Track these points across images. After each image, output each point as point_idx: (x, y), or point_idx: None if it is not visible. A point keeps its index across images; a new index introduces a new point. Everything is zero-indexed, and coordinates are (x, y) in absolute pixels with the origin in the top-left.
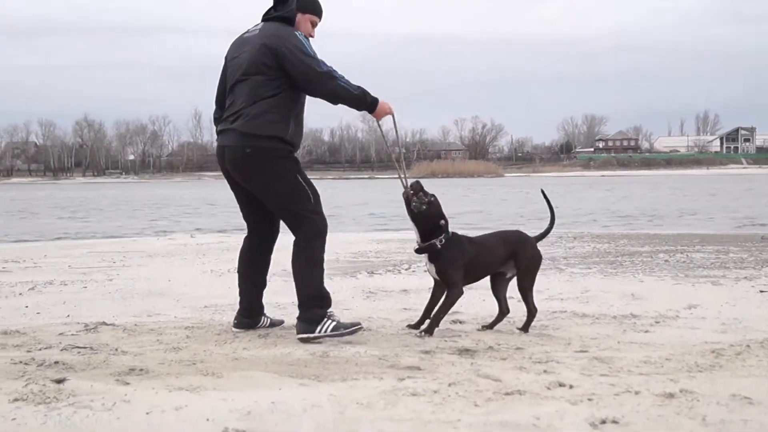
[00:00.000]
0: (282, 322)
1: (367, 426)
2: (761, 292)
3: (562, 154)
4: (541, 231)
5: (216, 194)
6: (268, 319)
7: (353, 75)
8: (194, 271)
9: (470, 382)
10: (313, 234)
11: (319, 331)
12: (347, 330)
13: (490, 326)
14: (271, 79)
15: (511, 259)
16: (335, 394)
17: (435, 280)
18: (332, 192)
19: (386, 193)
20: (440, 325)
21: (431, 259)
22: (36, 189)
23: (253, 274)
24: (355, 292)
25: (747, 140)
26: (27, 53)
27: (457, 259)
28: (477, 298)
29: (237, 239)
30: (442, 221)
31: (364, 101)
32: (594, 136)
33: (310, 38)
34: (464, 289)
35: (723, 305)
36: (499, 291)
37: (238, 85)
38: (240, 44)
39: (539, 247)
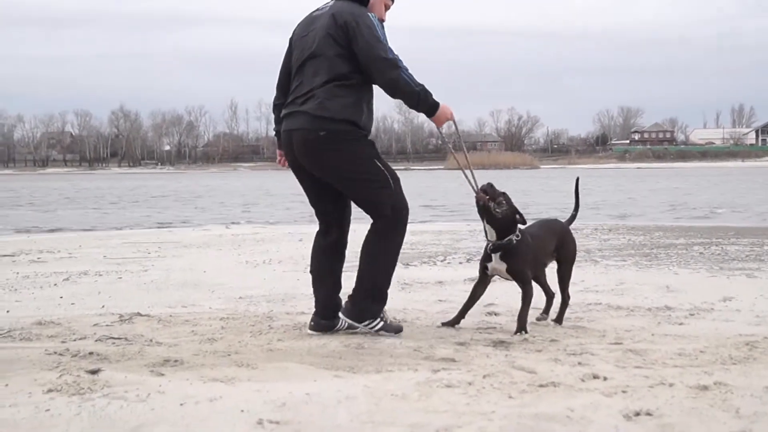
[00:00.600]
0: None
1: (402, 417)
2: None
3: (597, 146)
4: (567, 217)
5: (267, 184)
6: (345, 321)
7: None
8: (229, 262)
9: (505, 374)
10: (394, 222)
11: (366, 326)
12: (390, 333)
13: (545, 314)
14: (344, 59)
15: (556, 249)
16: (370, 386)
17: (483, 277)
18: None
19: (422, 184)
20: (476, 317)
21: (503, 257)
22: (84, 179)
23: (329, 271)
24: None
25: None
26: (63, 43)
27: (528, 256)
28: (512, 290)
29: (273, 231)
30: (517, 216)
31: (424, 101)
32: (630, 128)
33: (383, 22)
34: (495, 280)
35: (758, 298)
36: (539, 277)
37: (307, 63)
38: (309, 22)
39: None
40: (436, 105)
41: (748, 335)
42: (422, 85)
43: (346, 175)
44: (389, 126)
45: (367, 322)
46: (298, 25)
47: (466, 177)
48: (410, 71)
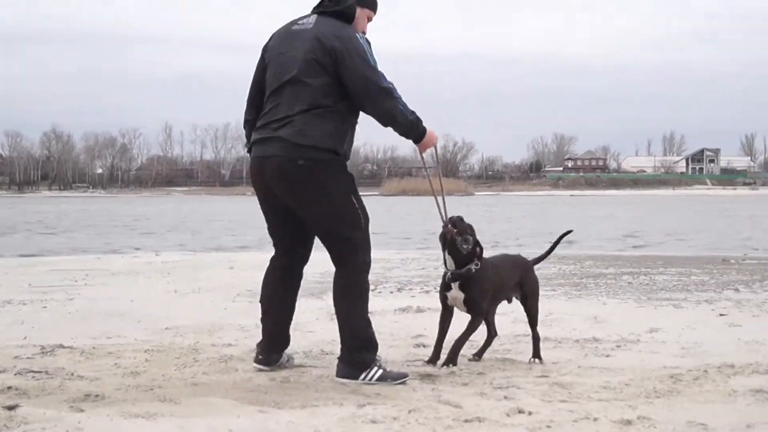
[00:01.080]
0: (292, 358)
1: None
2: (721, 315)
3: (531, 173)
4: (537, 256)
5: (201, 208)
6: (288, 356)
7: None
8: (157, 291)
9: (430, 409)
10: (362, 266)
11: (364, 379)
12: (395, 381)
13: (479, 354)
14: (330, 86)
15: (519, 285)
16: (294, 422)
17: (445, 307)
18: None
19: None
20: (403, 348)
21: (462, 287)
22: (10, 203)
23: (281, 301)
24: (319, 314)
25: (712, 161)
26: None
27: (487, 287)
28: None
29: (203, 258)
30: (478, 248)
31: (415, 129)
32: (563, 155)
33: (364, 35)
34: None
35: (683, 329)
36: (489, 314)
37: (287, 87)
38: (288, 38)
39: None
40: (425, 132)
41: (673, 367)
42: (414, 113)
43: (320, 209)
44: None
45: (362, 376)
46: (274, 36)
47: (438, 206)
48: (403, 99)
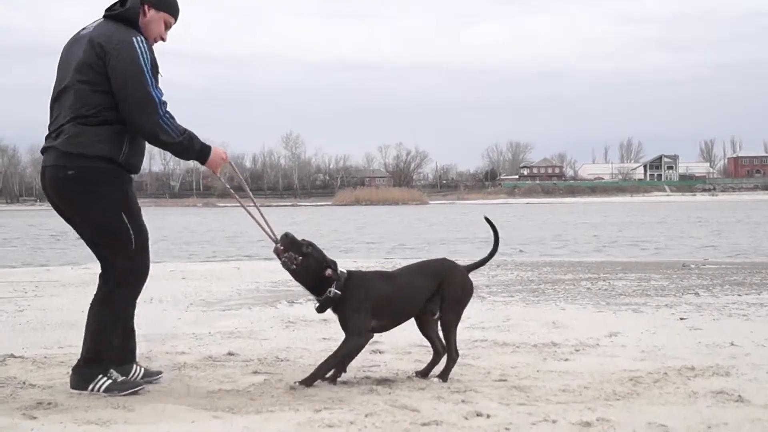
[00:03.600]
0: (160, 373)
1: None
2: (681, 319)
3: (486, 181)
4: (477, 260)
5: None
6: (142, 369)
7: (280, 99)
8: None
9: (387, 413)
10: (120, 280)
11: (91, 390)
12: (122, 392)
13: (424, 373)
14: (100, 90)
15: (438, 292)
16: (249, 427)
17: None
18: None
19: (312, 221)
20: (360, 355)
21: (335, 310)
22: None
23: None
24: (274, 322)
25: (670, 168)
26: None
27: (361, 303)
28: (397, 328)
29: (154, 268)
30: (328, 270)
31: (190, 150)
32: (519, 163)
33: (161, 41)
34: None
35: (643, 333)
36: (429, 330)
37: (63, 94)
38: (71, 44)
39: (471, 278)
40: (206, 150)
41: (633, 371)
42: (186, 133)
43: (90, 223)
44: (275, 161)
45: (90, 386)
46: (64, 46)
47: (261, 225)
48: (171, 116)
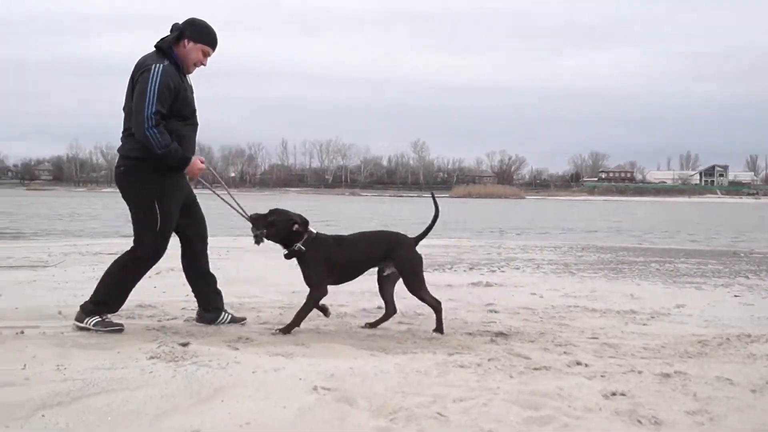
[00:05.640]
0: (244, 319)
1: (426, 389)
2: (735, 296)
3: (572, 182)
4: (421, 232)
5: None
6: (229, 315)
7: (402, 117)
8: (284, 264)
9: (505, 359)
10: (138, 255)
11: (86, 323)
12: (105, 329)
13: (373, 325)
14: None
15: (387, 259)
16: (399, 363)
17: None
18: (388, 207)
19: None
20: (479, 313)
21: (299, 263)
22: None
23: (190, 274)
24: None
25: (721, 175)
26: None
27: (319, 261)
28: (508, 293)
29: None
30: (296, 226)
31: (170, 159)
32: (598, 168)
33: (201, 66)
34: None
35: (705, 306)
36: (384, 292)
37: (124, 112)
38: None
39: (418, 249)
40: (184, 160)
41: (699, 335)
42: (168, 148)
43: (131, 205)
44: (406, 162)
45: (86, 320)
46: None
47: (238, 211)
48: (157, 131)
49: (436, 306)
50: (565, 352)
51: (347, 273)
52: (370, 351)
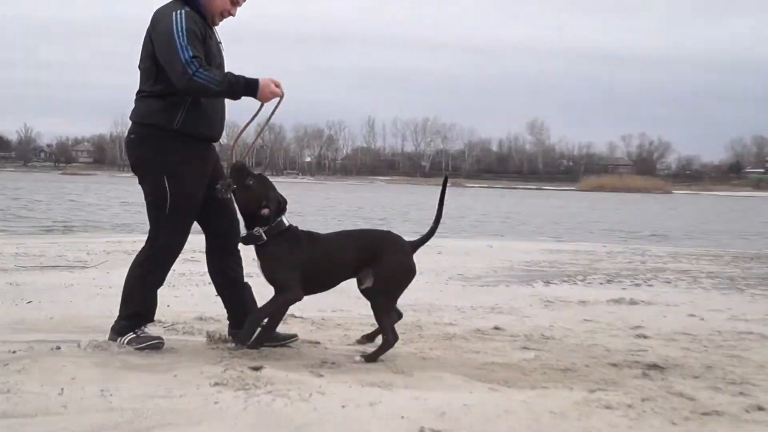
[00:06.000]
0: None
1: None
2: None
3: (731, 173)
4: (422, 235)
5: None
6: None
7: (517, 91)
8: None
9: (663, 399)
10: (155, 248)
11: (120, 342)
12: (139, 345)
13: (369, 337)
14: (150, 64)
15: (368, 265)
16: (527, 401)
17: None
18: (501, 201)
19: (557, 206)
20: (624, 339)
21: (257, 254)
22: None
23: (220, 281)
24: (532, 300)
25: None
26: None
27: (286, 257)
28: (659, 314)
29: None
30: (265, 210)
31: (234, 92)
32: (764, 156)
33: (230, 16)
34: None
35: None
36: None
37: (140, 68)
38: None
39: (415, 257)
40: (253, 85)
41: None
42: (225, 81)
43: (141, 182)
44: (521, 146)
45: (120, 339)
46: None
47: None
48: (204, 70)
49: (389, 340)
50: (741, 393)
51: (318, 280)
52: (489, 384)
